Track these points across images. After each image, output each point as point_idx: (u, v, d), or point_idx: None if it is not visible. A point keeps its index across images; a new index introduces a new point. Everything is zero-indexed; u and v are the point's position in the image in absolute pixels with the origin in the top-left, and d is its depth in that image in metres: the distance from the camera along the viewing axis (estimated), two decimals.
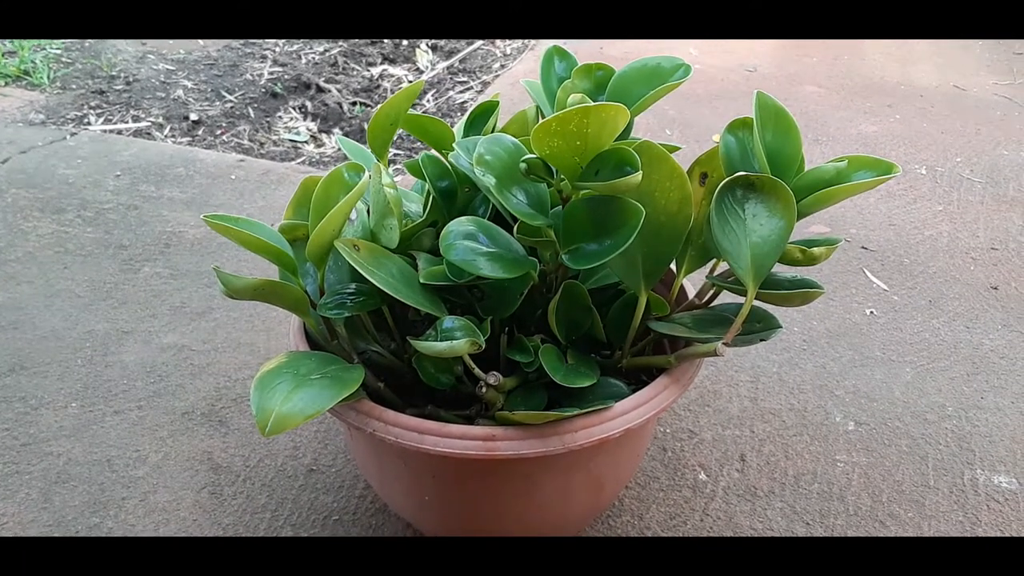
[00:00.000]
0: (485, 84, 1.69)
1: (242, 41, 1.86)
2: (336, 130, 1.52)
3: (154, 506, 0.72)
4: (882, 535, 0.71)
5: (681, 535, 0.71)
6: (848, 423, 0.83)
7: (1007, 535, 0.71)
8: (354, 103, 1.61)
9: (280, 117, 1.55)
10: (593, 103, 0.48)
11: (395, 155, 1.44)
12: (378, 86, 1.69)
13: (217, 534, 0.70)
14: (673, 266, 0.58)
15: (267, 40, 1.87)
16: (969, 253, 1.13)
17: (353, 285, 0.55)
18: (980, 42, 1.97)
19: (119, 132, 1.46)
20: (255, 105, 1.59)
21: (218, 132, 1.49)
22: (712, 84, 1.68)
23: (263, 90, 1.64)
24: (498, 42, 1.91)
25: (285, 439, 0.79)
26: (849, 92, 1.66)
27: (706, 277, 0.60)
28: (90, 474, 0.75)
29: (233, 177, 1.28)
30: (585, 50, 1.77)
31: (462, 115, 1.55)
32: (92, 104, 1.55)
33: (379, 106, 0.61)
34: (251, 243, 0.51)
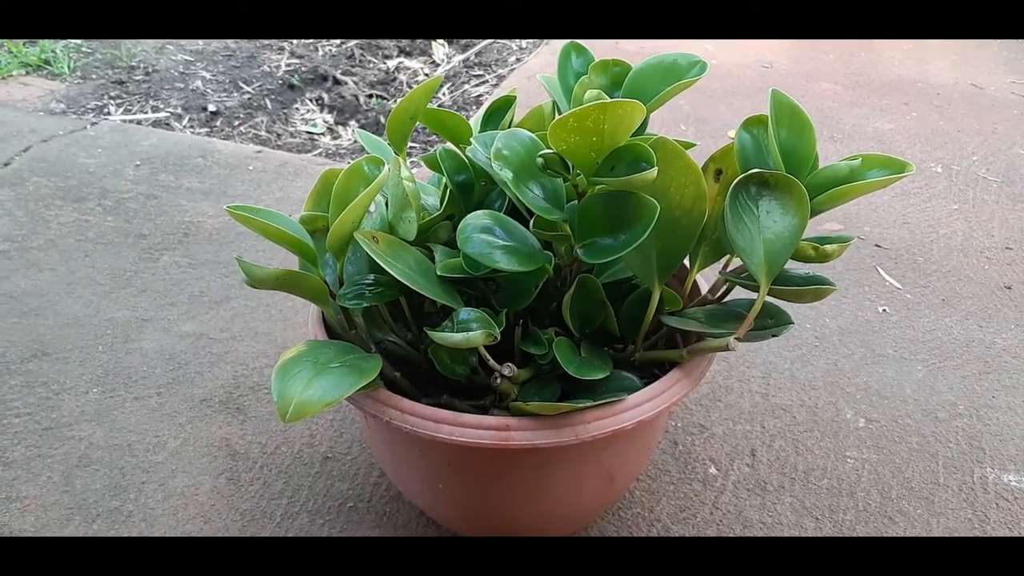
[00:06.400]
0: (500, 78, 1.70)
1: None
2: (352, 122, 1.53)
3: (173, 490, 0.74)
4: (891, 531, 0.71)
5: (691, 528, 0.71)
6: (859, 420, 0.83)
7: (1016, 534, 0.71)
8: (370, 95, 1.62)
9: (297, 109, 1.57)
10: (610, 99, 0.48)
11: (410, 148, 1.45)
12: (394, 79, 1.70)
13: (234, 519, 0.71)
14: (687, 261, 0.59)
15: None
16: (983, 252, 1.13)
17: (372, 276, 0.56)
18: (997, 40, 1.96)
19: (138, 122, 1.47)
20: (272, 97, 1.60)
21: (236, 123, 1.50)
22: (727, 80, 1.67)
23: (280, 82, 1.65)
24: None
25: (301, 427, 0.80)
26: (865, 89, 1.66)
27: (719, 273, 0.60)
28: (111, 458, 0.77)
29: (251, 168, 1.29)
30: (601, 45, 1.77)
31: (477, 108, 1.56)
32: (112, 94, 1.57)
33: (399, 100, 0.62)
34: (273, 233, 0.52)
